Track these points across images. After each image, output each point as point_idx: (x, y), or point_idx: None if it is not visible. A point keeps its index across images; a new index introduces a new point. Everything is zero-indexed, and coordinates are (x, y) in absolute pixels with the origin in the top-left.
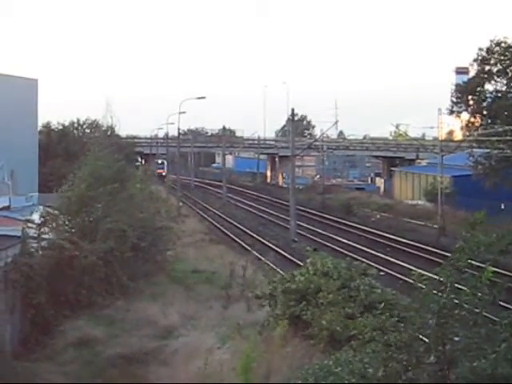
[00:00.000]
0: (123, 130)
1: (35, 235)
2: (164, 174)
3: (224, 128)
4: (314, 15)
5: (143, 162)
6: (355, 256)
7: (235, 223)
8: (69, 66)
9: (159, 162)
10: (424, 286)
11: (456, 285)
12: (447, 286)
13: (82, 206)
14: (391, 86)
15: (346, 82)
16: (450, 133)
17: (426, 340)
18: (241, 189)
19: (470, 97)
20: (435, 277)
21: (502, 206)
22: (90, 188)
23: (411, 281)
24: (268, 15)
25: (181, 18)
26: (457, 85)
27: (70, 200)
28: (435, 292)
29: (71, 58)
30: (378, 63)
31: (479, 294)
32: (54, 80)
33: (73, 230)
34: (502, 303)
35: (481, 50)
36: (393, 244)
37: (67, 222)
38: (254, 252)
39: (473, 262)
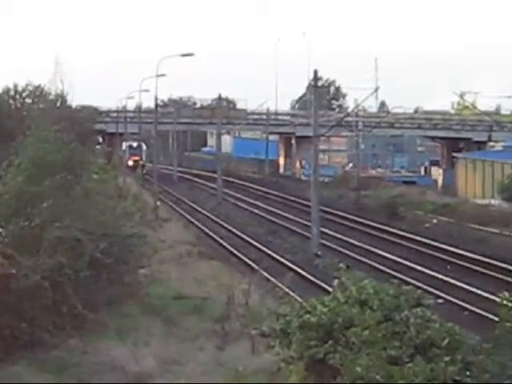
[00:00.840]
0: (79, 101)
1: None
2: (141, 162)
3: (220, 97)
4: None
5: (106, 144)
6: (403, 277)
7: (234, 230)
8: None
9: (134, 144)
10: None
11: None
12: None
13: (20, 207)
14: (453, 43)
15: (389, 38)
16: None
17: None
18: (242, 182)
19: None
20: None
21: None
22: (30, 181)
23: (480, 311)
24: None
25: None
26: None
27: (2, 198)
28: None
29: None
30: (432, 13)
31: None
32: None
33: (6, 240)
34: None
35: None
36: (455, 260)
37: None
38: (261, 271)
39: None
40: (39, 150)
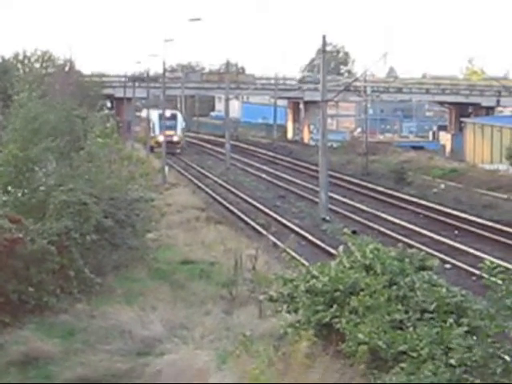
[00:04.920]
0: (88, 67)
1: None
2: (176, 139)
3: (228, 63)
4: None
5: (115, 109)
6: (410, 241)
7: (242, 195)
8: None
9: (167, 114)
10: (502, 282)
11: None
12: None
13: (19, 173)
14: (461, 7)
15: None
16: None
17: (507, 358)
18: (251, 147)
19: None
20: None
21: None
22: (25, 145)
23: (486, 275)
24: None
25: None
26: None
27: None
28: None
29: None
30: None
31: None
32: None
33: (13, 204)
34: None
35: None
36: (463, 225)
37: (2, 195)
38: (269, 236)
39: None
40: (30, 112)
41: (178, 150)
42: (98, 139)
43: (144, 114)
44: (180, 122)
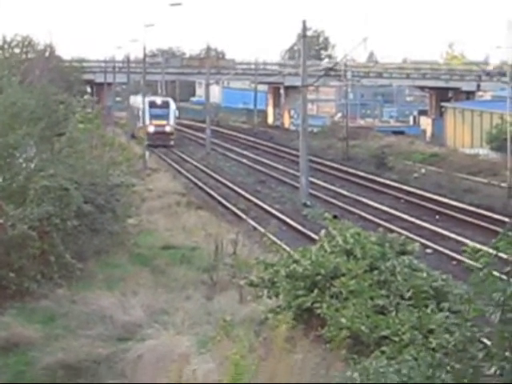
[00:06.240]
0: (68, 52)
1: None
2: (169, 129)
3: (208, 48)
4: None
5: (95, 94)
6: (391, 226)
7: (223, 180)
8: None
9: (157, 101)
10: (482, 267)
11: None
12: None
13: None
14: None
15: None
16: None
17: (487, 342)
18: (231, 132)
19: None
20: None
21: None
22: (5, 131)
23: (467, 259)
24: None
25: None
26: None
27: None
28: (500, 275)
29: None
30: None
31: None
32: None
33: None
34: None
35: None
36: (444, 210)
37: None
38: (250, 220)
39: None
40: (9, 97)
41: (172, 142)
42: (79, 125)
43: (133, 100)
44: (173, 111)
